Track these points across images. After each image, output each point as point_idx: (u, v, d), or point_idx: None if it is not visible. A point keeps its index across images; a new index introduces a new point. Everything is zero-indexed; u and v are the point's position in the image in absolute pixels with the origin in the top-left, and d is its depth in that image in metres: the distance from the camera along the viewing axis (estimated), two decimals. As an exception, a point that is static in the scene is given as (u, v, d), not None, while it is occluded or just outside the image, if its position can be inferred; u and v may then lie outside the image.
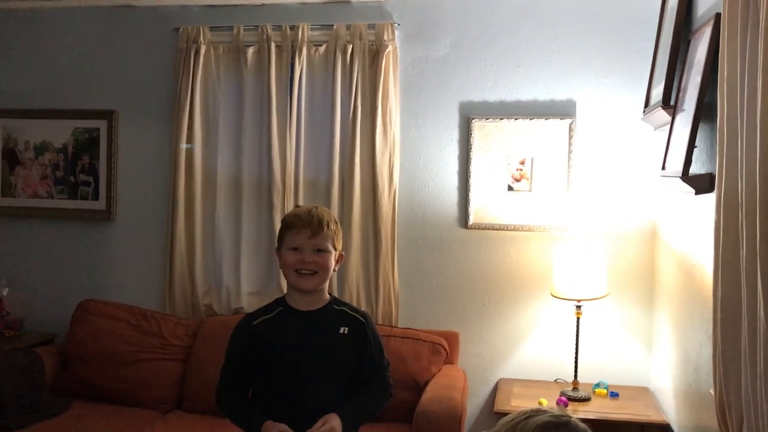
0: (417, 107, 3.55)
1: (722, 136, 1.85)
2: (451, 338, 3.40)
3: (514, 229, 3.44)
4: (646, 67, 3.12)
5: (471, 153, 3.46)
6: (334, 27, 3.51)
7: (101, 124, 3.81)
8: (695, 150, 2.25)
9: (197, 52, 3.60)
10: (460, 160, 3.51)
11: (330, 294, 2.10)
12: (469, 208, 3.48)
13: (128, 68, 3.79)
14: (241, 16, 3.65)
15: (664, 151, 2.60)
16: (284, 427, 1.91)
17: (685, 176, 2.24)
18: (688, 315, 2.62)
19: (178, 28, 3.66)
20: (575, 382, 3.17)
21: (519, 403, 3.02)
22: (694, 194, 2.25)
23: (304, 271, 1.99)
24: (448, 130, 3.52)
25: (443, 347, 3.30)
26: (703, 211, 2.40)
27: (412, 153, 3.55)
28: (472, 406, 3.45)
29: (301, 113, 3.55)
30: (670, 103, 2.64)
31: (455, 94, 3.51)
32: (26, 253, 3.91)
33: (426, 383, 3.14)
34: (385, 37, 3.46)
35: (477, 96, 3.50)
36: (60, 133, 3.86)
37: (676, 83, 2.62)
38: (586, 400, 3.11)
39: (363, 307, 3.42)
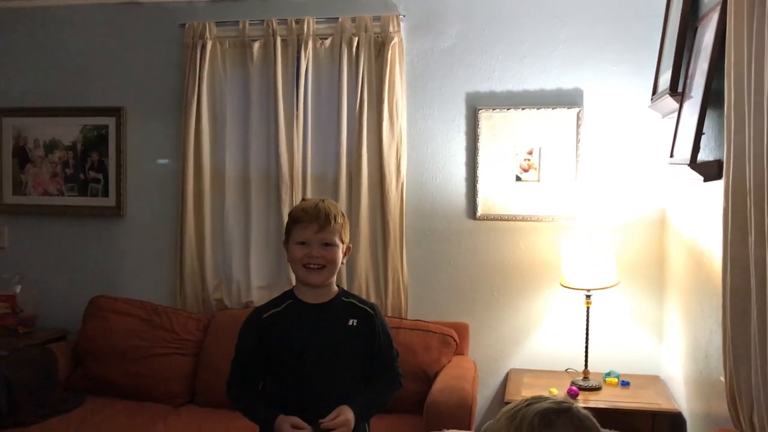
0: (423, 99, 3.54)
1: (730, 122, 1.84)
2: (461, 329, 3.40)
3: (523, 219, 3.44)
4: (653, 54, 3.10)
5: (478, 144, 3.46)
6: (340, 20, 3.51)
7: (109, 121, 3.82)
8: (703, 137, 2.23)
9: (203, 47, 3.61)
10: (467, 151, 3.50)
11: (338, 286, 2.11)
12: (478, 199, 3.47)
13: (135, 65, 3.81)
14: (246, 10, 3.65)
15: (672, 138, 2.58)
16: (297, 419, 1.92)
17: (693, 163, 2.23)
18: (698, 303, 2.62)
19: (184, 24, 3.66)
20: (586, 372, 3.17)
21: (529, 393, 3.01)
22: (702, 181, 2.24)
23: (311, 266, 1.99)
24: (455, 121, 3.52)
25: (453, 338, 3.31)
26: (711, 198, 2.39)
27: (419, 145, 3.55)
28: (483, 396, 3.45)
29: (308, 107, 3.55)
30: (677, 91, 2.63)
31: (462, 84, 3.50)
32: (38, 251, 3.94)
33: (436, 374, 3.15)
34: (391, 28, 3.45)
35: (484, 86, 3.49)
36: (69, 131, 3.88)
37: (683, 70, 2.60)
38: (597, 389, 3.11)
39: (372, 300, 3.43)
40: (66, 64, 3.88)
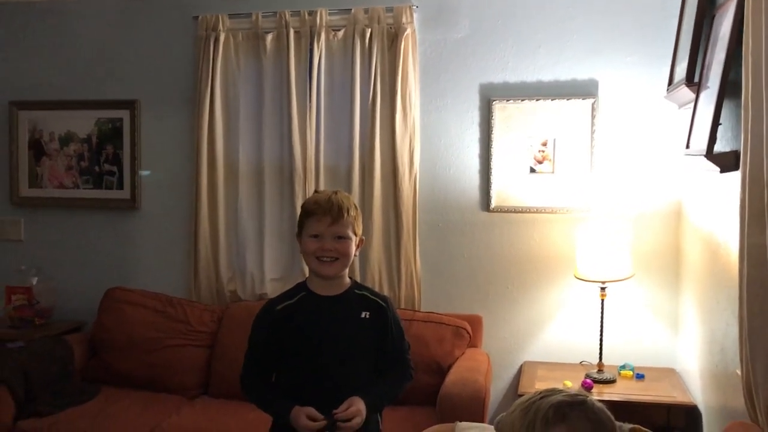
0: (437, 90, 3.52)
1: (747, 112, 1.81)
2: (475, 322, 3.40)
3: (537, 211, 3.42)
4: (669, 44, 3.06)
5: (492, 135, 3.44)
6: (352, 11, 3.50)
7: (124, 114, 3.84)
8: (720, 127, 2.21)
9: (216, 39, 3.61)
10: (481, 143, 3.48)
11: (350, 278, 2.11)
12: (491, 191, 3.45)
13: (149, 57, 3.82)
14: (259, 2, 3.64)
15: (689, 129, 2.55)
16: (312, 410, 1.92)
17: (710, 154, 2.20)
18: (714, 295, 2.59)
19: (197, 16, 3.67)
20: (600, 364, 3.16)
21: (543, 386, 2.96)
22: (719, 172, 2.21)
23: (325, 258, 1.99)
24: (468, 113, 3.50)
25: (466, 330, 3.30)
26: (728, 189, 2.36)
27: (432, 136, 3.53)
28: (496, 389, 3.45)
29: (321, 99, 3.55)
30: (694, 81, 2.59)
31: (475, 75, 3.48)
32: (54, 243, 3.97)
33: (449, 367, 3.14)
34: (404, 20, 3.43)
35: (497, 77, 3.46)
36: (84, 124, 3.90)
37: (700, 60, 2.57)
38: (612, 382, 3.09)
39: (385, 292, 3.43)
40: (80, 57, 3.90)
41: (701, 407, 2.81)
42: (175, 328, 3.49)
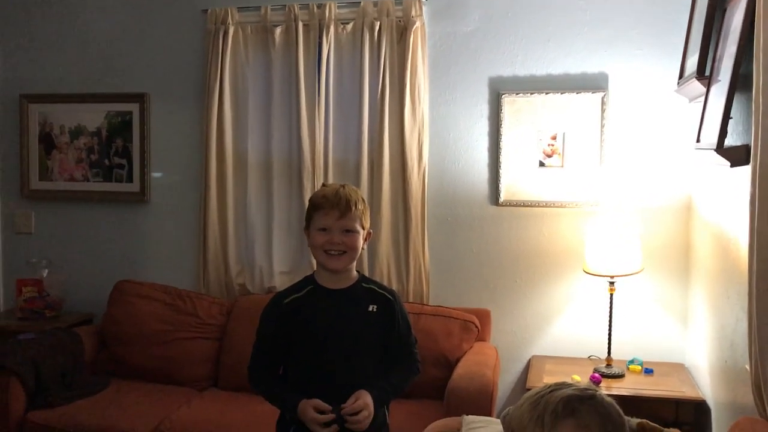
0: (446, 83, 3.51)
1: (758, 106, 1.80)
2: (483, 316, 3.39)
3: (546, 205, 3.41)
4: (680, 37, 3.03)
5: (501, 129, 3.43)
6: (361, 4, 3.49)
7: (133, 107, 3.85)
8: (730, 121, 2.19)
9: (225, 33, 3.61)
10: (490, 137, 3.47)
11: (358, 272, 2.11)
12: (500, 185, 3.45)
13: (158, 51, 3.83)
14: (268, -5, 3.64)
15: (699, 123, 2.54)
16: (319, 402, 1.93)
17: (720, 148, 2.18)
18: (724, 290, 2.58)
19: (206, 10, 3.67)
20: (609, 359, 3.15)
21: (551, 380, 2.96)
22: (729, 167, 2.19)
23: (333, 252, 2.00)
24: (477, 106, 3.49)
25: (474, 324, 3.30)
26: (738, 183, 2.35)
27: (441, 130, 3.52)
28: (504, 383, 3.45)
29: (330, 92, 3.54)
30: (705, 74, 2.57)
31: (485, 69, 3.47)
32: (64, 236, 3.99)
33: (457, 360, 3.15)
34: (413, 12, 3.42)
35: (507, 71, 3.45)
36: (94, 117, 3.92)
37: (711, 53, 2.55)
38: (620, 376, 3.09)
39: (394, 286, 3.44)
40: (90, 50, 3.91)
41: (710, 402, 2.80)
42: (184, 321, 3.50)
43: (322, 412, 1.92)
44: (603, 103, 3.32)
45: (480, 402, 2.78)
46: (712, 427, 2.76)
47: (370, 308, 2.04)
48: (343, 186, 2.04)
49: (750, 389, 1.90)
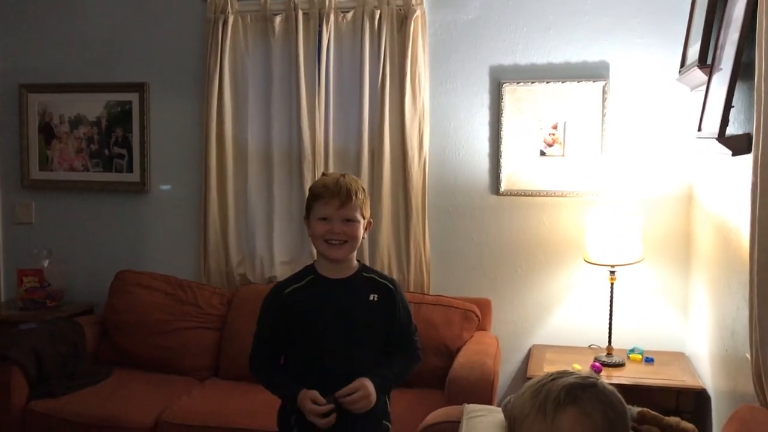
0: (446, 72, 3.50)
1: (760, 95, 1.79)
2: (484, 305, 3.40)
3: (547, 194, 3.41)
4: (681, 25, 3.02)
5: (502, 118, 3.42)
6: (362, -7, 3.48)
7: (133, 97, 3.84)
8: (732, 110, 2.18)
9: (225, 22, 3.60)
10: (491, 126, 3.47)
11: (358, 261, 2.11)
12: (501, 175, 3.44)
13: (158, 40, 3.81)
14: (267, -16, 3.62)
15: (701, 112, 2.53)
16: (316, 394, 1.93)
17: (722, 137, 2.17)
18: (725, 279, 2.58)
19: (206, -1, 3.65)
20: (609, 348, 3.15)
21: (552, 369, 2.98)
22: (730, 156, 2.19)
23: (333, 241, 2.00)
24: (478, 96, 3.48)
25: (475, 314, 3.30)
26: (740, 172, 2.34)
27: (442, 119, 3.51)
28: (505, 372, 3.45)
29: (330, 81, 3.53)
30: (706, 63, 2.56)
31: (485, 58, 3.46)
32: (65, 226, 3.99)
33: (458, 350, 3.15)
34: (413, 1, 3.40)
35: (508, 59, 3.44)
36: (93, 107, 3.91)
37: (713, 42, 2.54)
38: (621, 365, 3.09)
39: (394, 275, 3.44)
40: (90, 40, 3.90)
41: (710, 391, 2.81)
42: (185, 311, 3.51)
43: (319, 404, 1.93)
44: (604, 92, 3.31)
45: (481, 391, 2.78)
46: (713, 415, 2.77)
47: (371, 297, 2.04)
48: (344, 175, 2.04)
49: (750, 378, 1.91)
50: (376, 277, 2.10)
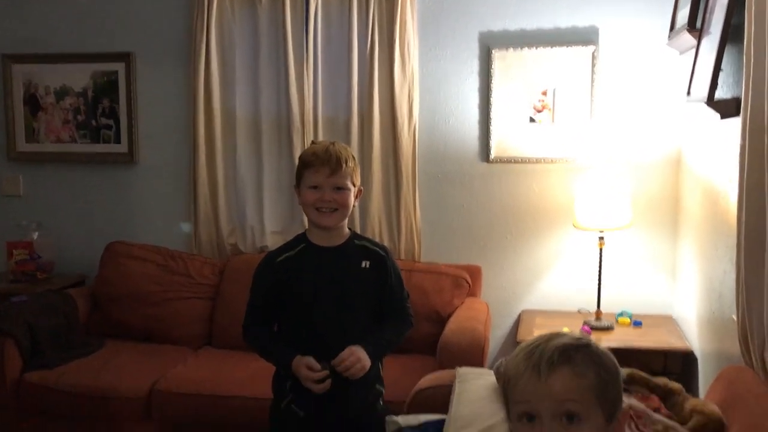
0: (436, 39, 3.47)
1: (749, 58, 1.79)
2: (474, 272, 3.42)
3: (537, 161, 3.41)
4: (671, -11, 3.01)
5: (492, 85, 3.40)
6: (349, -42, 3.43)
7: (119, 67, 3.79)
8: (721, 74, 2.18)
9: (211, -11, 3.54)
10: (480, 93, 3.45)
11: (350, 229, 2.11)
12: (491, 142, 3.44)
13: (144, 9, 3.74)
14: (253, -50, 3.56)
15: (690, 75, 2.53)
16: (311, 360, 1.95)
17: (711, 101, 2.18)
18: (713, 243, 2.60)
19: (191, -34, 3.59)
20: (598, 312, 3.19)
21: (542, 333, 3.04)
22: (719, 119, 2.20)
23: (324, 209, 2.00)
24: (468, 62, 3.46)
25: (466, 280, 3.33)
26: (728, 136, 2.35)
27: (431, 86, 3.50)
28: (495, 337, 3.49)
29: (318, 49, 3.49)
30: (696, 26, 2.56)
31: (475, 23, 3.43)
32: (53, 198, 3.96)
33: (449, 316, 3.18)
34: (402, -34, 3.36)
35: (497, 25, 3.41)
36: (79, 77, 3.85)
37: (702, 5, 2.52)
38: (610, 329, 3.13)
39: (385, 243, 3.44)
40: (74, 9, 3.82)
41: (697, 353, 2.86)
42: (176, 282, 3.51)
43: (314, 370, 1.95)
44: (593, 57, 3.30)
45: (471, 356, 2.81)
46: (699, 376, 2.82)
47: (363, 264, 2.05)
48: (333, 143, 2.03)
49: (736, 339, 1.94)
50: (368, 245, 2.11)
